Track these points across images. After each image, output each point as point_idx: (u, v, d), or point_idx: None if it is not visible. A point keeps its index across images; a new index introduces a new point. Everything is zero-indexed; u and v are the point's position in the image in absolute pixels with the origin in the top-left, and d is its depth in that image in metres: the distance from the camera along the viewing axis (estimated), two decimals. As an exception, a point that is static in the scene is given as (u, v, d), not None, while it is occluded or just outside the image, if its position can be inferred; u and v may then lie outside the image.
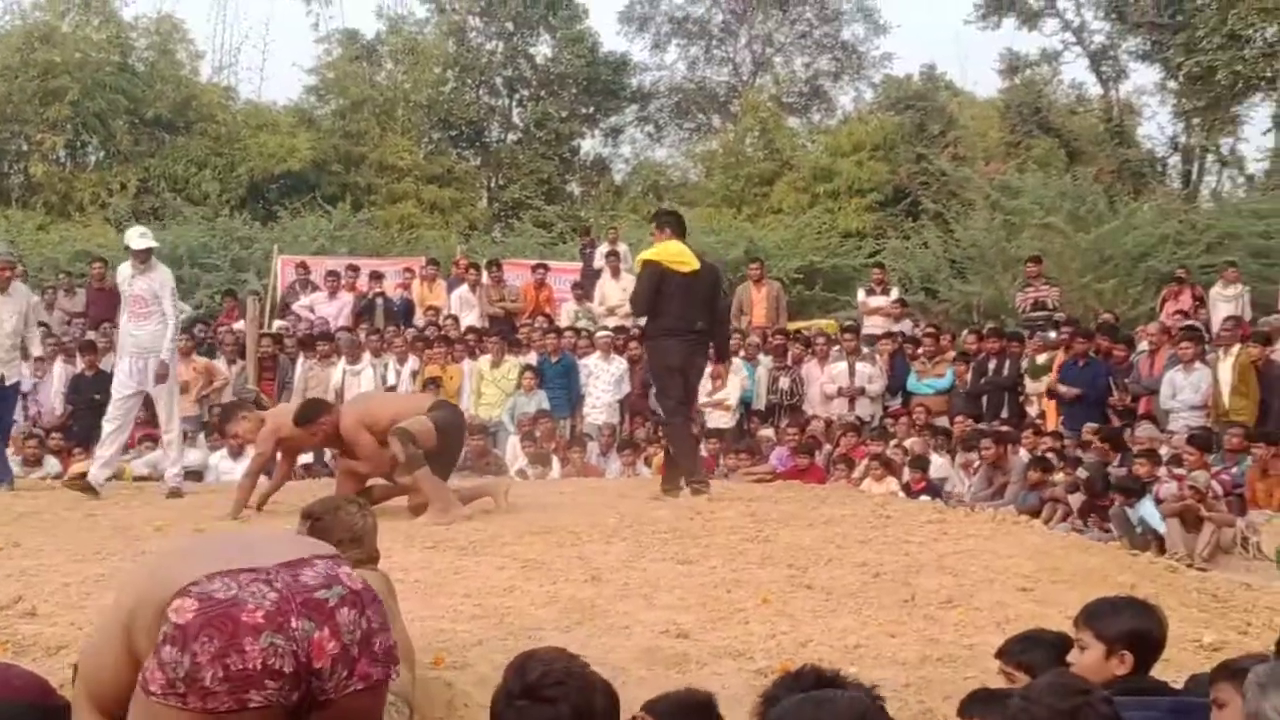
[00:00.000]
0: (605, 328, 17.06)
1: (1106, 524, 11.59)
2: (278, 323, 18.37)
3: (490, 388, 15.92)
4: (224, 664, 3.26)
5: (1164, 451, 12.70)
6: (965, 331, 17.52)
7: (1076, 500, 12.05)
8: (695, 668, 5.62)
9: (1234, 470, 12.54)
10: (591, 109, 36.79)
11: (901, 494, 12.55)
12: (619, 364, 15.83)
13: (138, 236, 11.28)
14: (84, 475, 11.03)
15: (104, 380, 15.91)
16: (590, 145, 37.63)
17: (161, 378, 11.08)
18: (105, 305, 17.38)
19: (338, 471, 10.41)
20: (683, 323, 10.37)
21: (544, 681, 3.45)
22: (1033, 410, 15.27)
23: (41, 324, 17.00)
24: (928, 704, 5.31)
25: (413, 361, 16.17)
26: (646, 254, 10.70)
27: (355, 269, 19.10)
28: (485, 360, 16.07)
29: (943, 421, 15.08)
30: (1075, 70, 35.35)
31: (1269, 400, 13.74)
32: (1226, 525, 11.33)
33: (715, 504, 9.61)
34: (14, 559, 7.64)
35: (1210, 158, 31.41)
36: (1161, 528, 11.21)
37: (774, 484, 12.27)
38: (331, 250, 23.07)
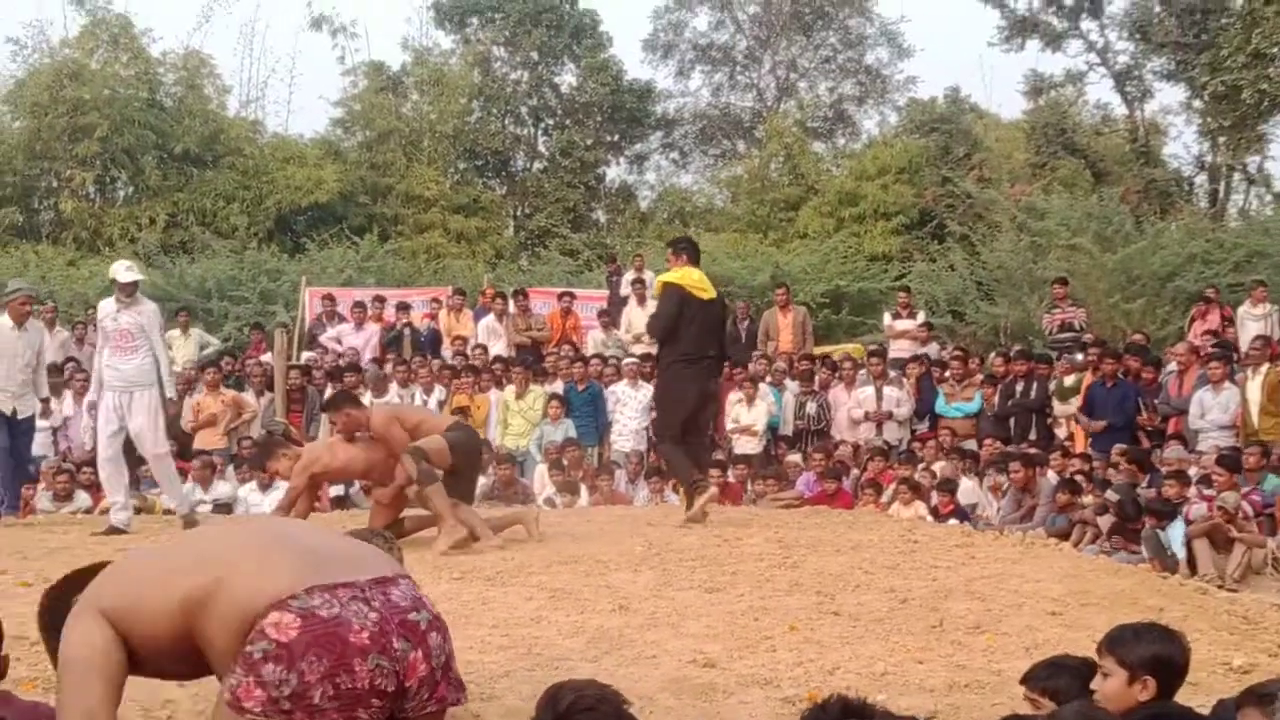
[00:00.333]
0: (632, 355, 17.08)
1: (1134, 546, 11.52)
2: (306, 354, 18.44)
3: (516, 418, 15.95)
4: (334, 683, 3.37)
5: (1193, 472, 12.64)
6: (993, 354, 17.47)
7: (1106, 522, 11.99)
8: (722, 697, 5.60)
9: (1265, 490, 12.47)
10: (616, 137, 36.85)
11: (929, 518, 12.53)
12: (646, 391, 15.83)
13: (124, 270, 11.14)
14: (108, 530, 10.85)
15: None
16: (615, 173, 37.73)
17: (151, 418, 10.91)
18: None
19: (371, 504, 10.46)
20: (698, 349, 10.47)
21: (575, 709, 3.51)
22: (1061, 432, 15.21)
23: (71, 359, 17.13)
24: (956, 731, 5.30)
25: (439, 391, 16.22)
26: (668, 276, 10.72)
27: (381, 300, 19.16)
28: (510, 390, 16.10)
29: (970, 445, 15.03)
30: (1100, 91, 35.34)
31: (1300, 419, 13.67)
32: (1258, 546, 11.27)
33: (742, 530, 9.64)
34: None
35: (1237, 176, 31.25)
36: (1181, 552, 11.16)
37: (802, 509, 12.28)
38: (359, 281, 23.15)
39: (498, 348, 17.89)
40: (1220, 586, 9.95)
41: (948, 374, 16.08)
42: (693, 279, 10.56)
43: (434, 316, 19.00)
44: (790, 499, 13.48)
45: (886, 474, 14.17)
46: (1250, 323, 16.83)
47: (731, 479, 14.43)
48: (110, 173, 29.80)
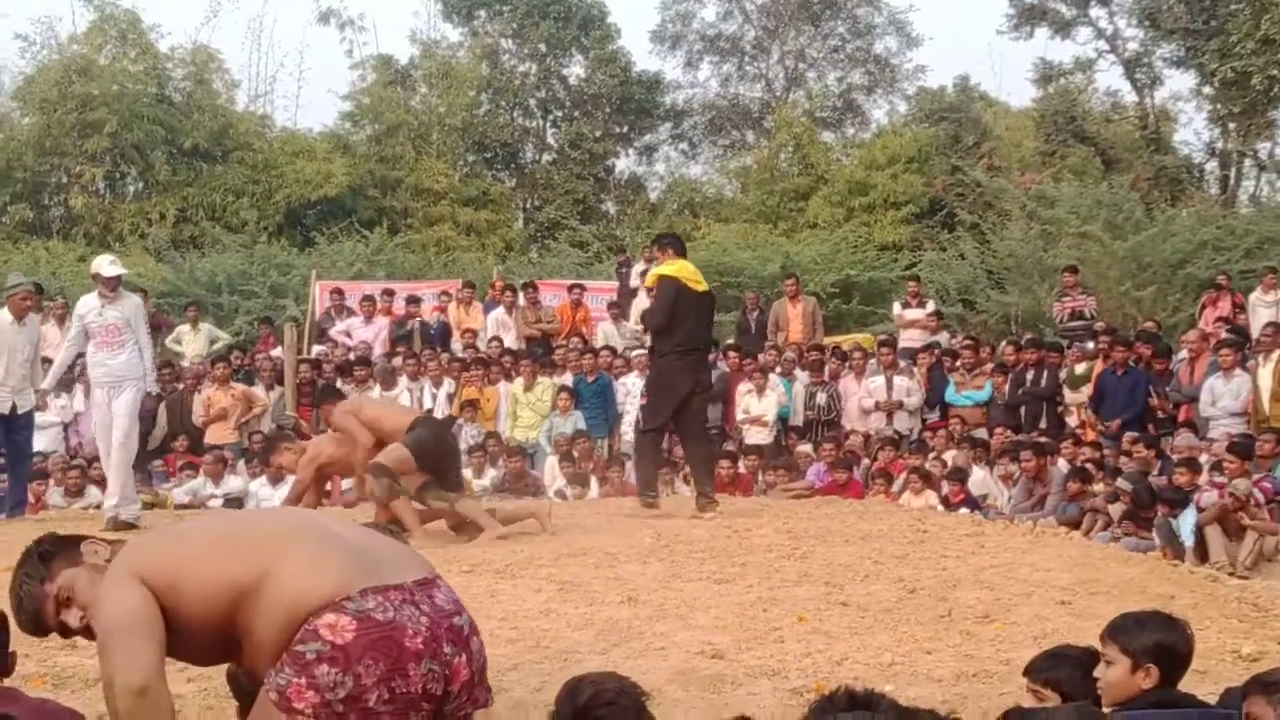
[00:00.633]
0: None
1: (1145, 533, 11.50)
2: (317, 348, 18.46)
3: (526, 410, 15.95)
4: (389, 687, 3.41)
5: (1204, 459, 12.61)
6: (1004, 343, 17.44)
7: (1117, 510, 11.97)
8: (730, 688, 5.61)
9: (1276, 476, 12.43)
10: (625, 128, 36.80)
11: (940, 507, 12.51)
12: (656, 383, 15.86)
13: (108, 264, 11.12)
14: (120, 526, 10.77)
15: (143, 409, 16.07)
16: (625, 164, 37.66)
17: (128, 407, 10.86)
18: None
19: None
20: (691, 341, 10.60)
21: (595, 703, 3.55)
22: (1072, 420, 15.19)
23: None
24: (963, 721, 5.29)
25: (449, 384, 16.23)
26: (663, 269, 10.77)
27: (390, 293, 19.16)
28: (519, 383, 16.11)
29: (981, 433, 15.01)
30: (1109, 78, 35.33)
31: (1311, 406, 13.63)
32: (1270, 533, 11.23)
33: (752, 521, 9.67)
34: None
35: (1248, 162, 31.18)
36: (1191, 539, 11.14)
37: (812, 500, 12.28)
38: (370, 275, 23.19)
39: (508, 340, 17.87)
40: (1232, 574, 9.93)
41: (958, 363, 16.05)
42: (687, 271, 10.70)
43: (443, 310, 18.98)
44: (801, 489, 13.46)
45: (897, 464, 14.16)
46: (1261, 309, 16.78)
47: (742, 469, 14.43)
48: (120, 168, 29.87)
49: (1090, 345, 15.57)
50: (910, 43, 37.36)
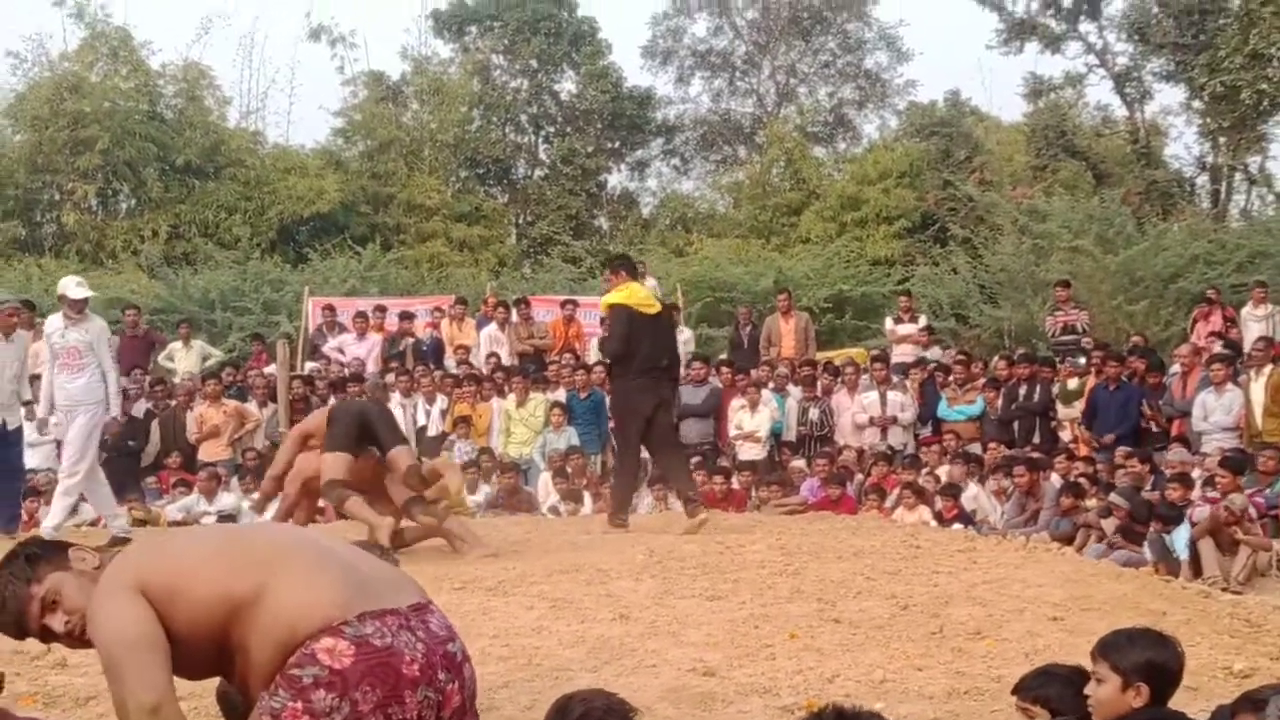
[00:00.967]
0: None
1: (1135, 547, 11.50)
2: (309, 364, 18.43)
3: (519, 426, 15.95)
4: (385, 713, 3.42)
5: (1196, 474, 12.62)
6: (996, 358, 17.46)
7: (1110, 525, 11.97)
8: (721, 706, 5.60)
9: (1269, 492, 12.44)
10: (617, 144, 36.86)
11: (934, 522, 12.51)
12: (649, 399, 15.85)
13: (74, 285, 11.06)
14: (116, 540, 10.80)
15: (136, 426, 16.07)
16: (617, 180, 37.73)
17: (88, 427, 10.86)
18: (137, 352, 17.59)
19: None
20: (650, 363, 10.73)
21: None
22: (1065, 435, 15.20)
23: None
24: (955, 738, 5.29)
25: (441, 401, 16.23)
26: (612, 298, 10.93)
27: (383, 309, 19.13)
28: (512, 399, 16.11)
29: (974, 448, 15.03)
30: (1100, 92, 35.47)
31: (1302, 420, 13.65)
32: (1263, 549, 11.24)
33: (745, 537, 9.66)
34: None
35: (1238, 177, 31.26)
36: (1185, 554, 11.14)
37: (806, 515, 12.27)
38: (363, 291, 23.14)
39: (502, 356, 17.85)
40: (1225, 589, 9.93)
41: (951, 378, 16.07)
42: (639, 296, 10.85)
43: (436, 326, 18.96)
44: (794, 505, 13.46)
45: (890, 479, 14.17)
46: (1253, 324, 16.81)
47: (736, 485, 14.42)
48: (112, 185, 29.81)
49: (1082, 361, 15.59)
50: (901, 58, 37.59)
